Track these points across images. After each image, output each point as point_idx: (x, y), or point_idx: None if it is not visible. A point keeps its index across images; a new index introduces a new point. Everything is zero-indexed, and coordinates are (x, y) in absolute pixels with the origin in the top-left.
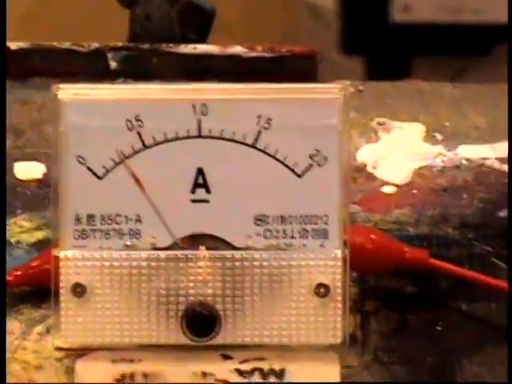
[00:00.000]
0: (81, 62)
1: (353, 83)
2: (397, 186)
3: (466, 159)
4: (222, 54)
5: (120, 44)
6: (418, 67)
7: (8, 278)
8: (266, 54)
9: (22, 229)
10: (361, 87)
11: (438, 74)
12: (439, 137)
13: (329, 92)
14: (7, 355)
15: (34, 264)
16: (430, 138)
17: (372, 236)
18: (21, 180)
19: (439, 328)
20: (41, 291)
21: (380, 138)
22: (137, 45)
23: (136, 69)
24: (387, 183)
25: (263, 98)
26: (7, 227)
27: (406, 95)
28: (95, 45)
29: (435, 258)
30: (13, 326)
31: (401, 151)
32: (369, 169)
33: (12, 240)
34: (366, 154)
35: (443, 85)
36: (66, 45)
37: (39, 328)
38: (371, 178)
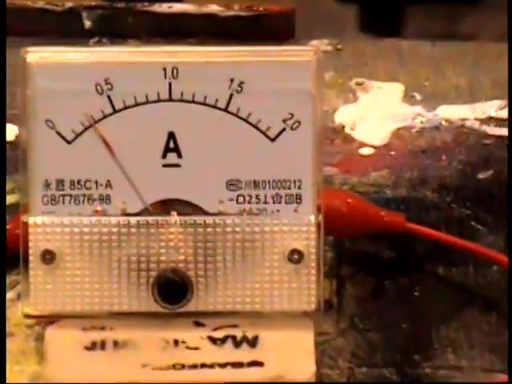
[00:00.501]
0: (55, 21)
1: (331, 42)
2: (375, 147)
3: (446, 120)
4: (198, 12)
5: (94, 3)
6: (413, 15)
7: None
8: (243, 13)
9: None
10: (339, 46)
11: (433, 22)
12: (418, 97)
13: (302, 55)
14: None
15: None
16: (408, 98)
17: (348, 200)
18: None
19: (416, 293)
20: (12, 257)
21: (358, 99)
22: (111, 4)
23: (111, 28)
24: (365, 145)
25: (236, 61)
26: None
27: (384, 54)
28: (69, 4)
29: (413, 221)
30: None
31: (379, 112)
32: (347, 130)
33: None
34: (343, 115)
35: (422, 43)
36: (40, 4)
37: (10, 294)
38: (349, 139)
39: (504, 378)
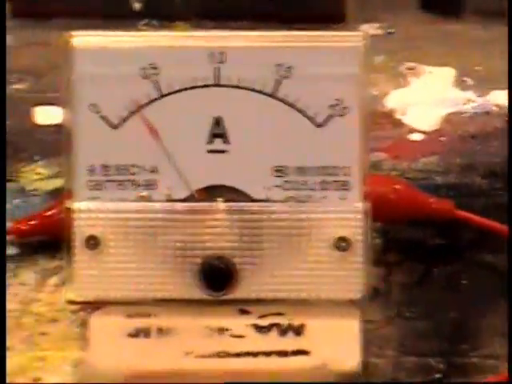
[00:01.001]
0: (103, 3)
1: (382, 25)
2: (425, 132)
3: (497, 105)
4: None
5: None
6: None
7: (22, 226)
8: None
9: (39, 176)
10: (390, 30)
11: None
12: (470, 82)
13: (351, 40)
14: (20, 307)
15: (49, 213)
16: (460, 83)
17: (396, 186)
18: (39, 125)
19: (464, 281)
20: (57, 241)
21: (409, 83)
22: None
23: (159, 10)
24: (415, 130)
25: (283, 46)
26: (24, 174)
27: (436, 38)
28: None
29: (461, 208)
30: (27, 277)
31: (430, 97)
32: (397, 115)
33: (28, 188)
34: (394, 100)
35: (475, 27)
36: None
37: (54, 280)
38: (399, 124)
39: (504, 377)
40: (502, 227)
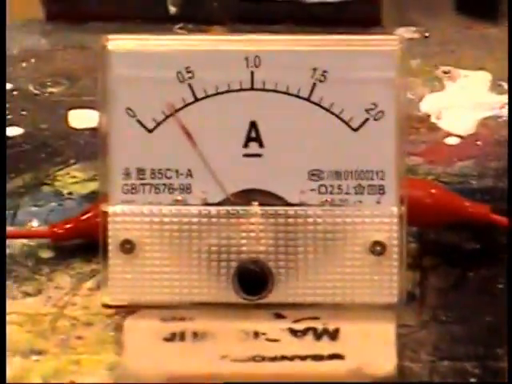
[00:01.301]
0: (139, 6)
1: (418, 29)
2: (461, 137)
3: None
4: None
5: None
6: None
7: (57, 230)
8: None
9: (74, 179)
10: (426, 33)
11: None
12: (505, 86)
13: (387, 44)
14: (55, 310)
15: (85, 217)
16: (495, 87)
17: (432, 190)
18: (75, 128)
19: (500, 285)
20: (92, 245)
21: (445, 87)
22: None
23: (196, 14)
24: (451, 134)
25: (319, 50)
26: (60, 177)
27: (472, 42)
28: None
29: (497, 212)
30: (63, 280)
31: (465, 101)
32: (432, 119)
33: (64, 191)
34: (429, 104)
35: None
36: None
37: (89, 283)
38: (434, 128)
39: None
40: None
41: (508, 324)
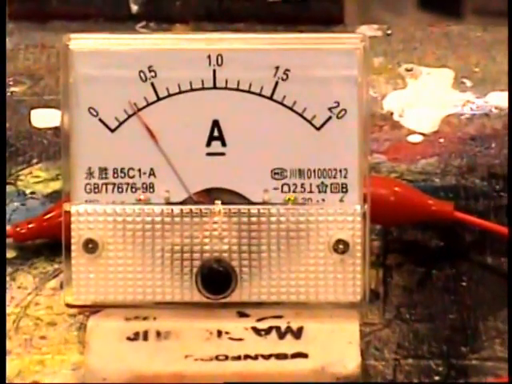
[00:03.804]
0: (101, 5)
1: (380, 27)
2: (423, 134)
3: (496, 107)
4: None
5: None
6: None
7: (20, 230)
8: None
9: (37, 179)
10: (388, 31)
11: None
12: (468, 83)
13: (349, 42)
14: (18, 310)
15: (48, 217)
16: (458, 84)
17: (395, 188)
18: (37, 128)
19: (464, 283)
20: (55, 244)
21: (407, 85)
22: None
23: (158, 12)
24: (414, 132)
25: (281, 48)
26: (22, 177)
27: (434, 39)
28: None
29: (461, 210)
30: (25, 280)
31: (428, 98)
32: (395, 117)
33: (27, 191)
34: (392, 102)
35: (473, 28)
36: None
37: (52, 283)
38: (397, 126)
39: (504, 378)
40: (502, 229)
41: (508, 324)
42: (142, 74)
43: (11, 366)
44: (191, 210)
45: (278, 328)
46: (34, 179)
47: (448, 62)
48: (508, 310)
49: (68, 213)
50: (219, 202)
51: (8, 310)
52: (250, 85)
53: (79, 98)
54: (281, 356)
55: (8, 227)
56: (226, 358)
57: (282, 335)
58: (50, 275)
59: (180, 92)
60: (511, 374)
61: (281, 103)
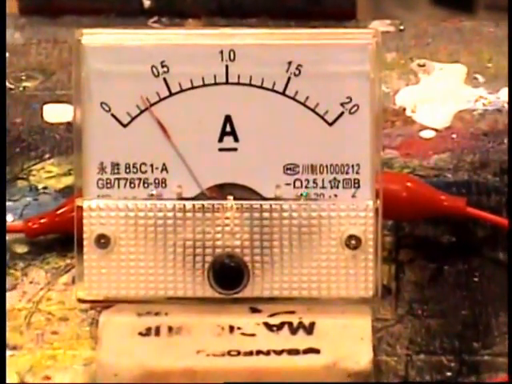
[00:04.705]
0: (113, 0)
1: (393, 22)
2: (436, 130)
3: (508, 102)
4: None
5: None
6: None
7: (32, 225)
8: None
9: (49, 174)
10: (401, 26)
11: None
12: (481, 79)
13: (361, 37)
14: (30, 306)
15: (60, 212)
16: (471, 80)
17: (408, 183)
18: (50, 123)
19: (476, 279)
20: (67, 239)
21: (420, 80)
22: None
23: (170, 7)
24: (426, 127)
25: (293, 44)
26: (35, 172)
27: (447, 35)
28: None
29: (473, 205)
30: (37, 275)
31: (441, 94)
32: (407, 112)
33: (39, 186)
34: (404, 97)
35: (486, 24)
36: None
37: (64, 278)
38: (410, 122)
39: (504, 377)
40: None
41: (508, 323)
42: (154, 69)
43: (23, 361)
44: (203, 205)
45: (290, 323)
46: (46, 174)
47: (460, 57)
48: (508, 310)
49: (80, 208)
50: (231, 197)
51: (20, 305)
52: (263, 80)
53: (91, 93)
54: (293, 351)
55: (20, 222)
56: (238, 353)
57: (294, 331)
58: (62, 270)
59: (192, 87)
60: (511, 373)
61: (293, 98)
